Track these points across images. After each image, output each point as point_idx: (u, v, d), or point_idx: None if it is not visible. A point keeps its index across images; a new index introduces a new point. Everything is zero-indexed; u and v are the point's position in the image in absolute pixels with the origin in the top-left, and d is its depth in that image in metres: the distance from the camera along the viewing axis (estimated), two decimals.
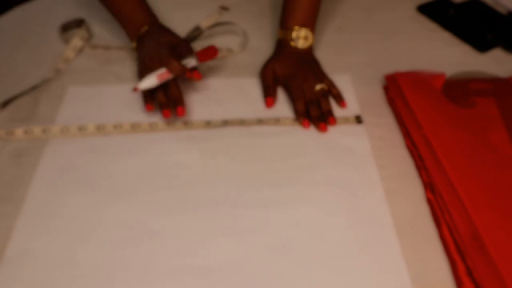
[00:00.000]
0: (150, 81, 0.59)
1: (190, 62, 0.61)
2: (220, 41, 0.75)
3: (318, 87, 0.63)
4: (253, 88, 0.67)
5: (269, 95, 0.64)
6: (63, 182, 0.55)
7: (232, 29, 0.77)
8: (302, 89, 0.63)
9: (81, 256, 0.48)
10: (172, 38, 0.65)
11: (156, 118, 0.62)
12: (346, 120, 0.62)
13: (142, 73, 0.63)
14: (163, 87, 0.61)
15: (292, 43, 0.67)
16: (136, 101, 0.65)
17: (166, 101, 0.60)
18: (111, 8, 0.69)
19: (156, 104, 0.62)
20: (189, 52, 0.63)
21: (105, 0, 0.69)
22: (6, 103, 0.64)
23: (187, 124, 0.61)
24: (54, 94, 0.66)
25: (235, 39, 0.76)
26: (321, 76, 0.65)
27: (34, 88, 0.67)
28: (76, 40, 0.73)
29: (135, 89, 0.59)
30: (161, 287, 0.46)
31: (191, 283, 0.46)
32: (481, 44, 0.73)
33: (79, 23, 0.77)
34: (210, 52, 0.63)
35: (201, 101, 0.65)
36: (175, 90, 0.61)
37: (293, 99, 0.63)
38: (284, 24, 0.68)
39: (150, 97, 0.62)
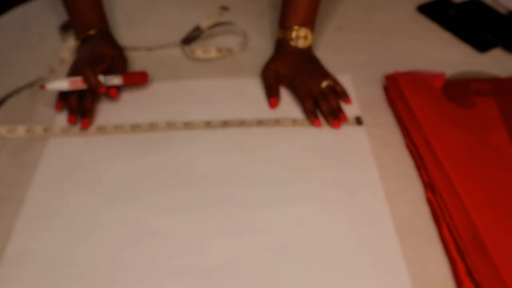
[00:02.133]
0: (60, 84, 0.60)
1: (113, 79, 0.62)
2: (220, 41, 0.75)
3: (325, 83, 0.63)
4: (253, 88, 0.67)
5: (272, 96, 0.64)
6: (63, 182, 0.55)
7: (232, 29, 0.77)
8: (308, 87, 0.63)
9: (81, 256, 0.48)
10: (109, 50, 0.65)
11: (156, 119, 0.62)
12: (343, 122, 0.61)
13: (68, 73, 0.64)
14: (79, 92, 0.61)
15: (292, 43, 0.67)
16: (136, 101, 0.65)
17: (76, 107, 0.61)
18: (65, 2, 0.69)
19: (65, 106, 0.62)
20: (121, 69, 0.64)
21: None
22: (1, 102, 0.65)
23: (187, 125, 0.61)
24: (53, 93, 0.66)
25: (235, 39, 0.76)
26: (325, 73, 0.65)
27: (27, 86, 0.67)
28: (72, 41, 0.73)
29: (41, 87, 0.60)
30: (161, 287, 0.46)
31: (191, 283, 0.46)
32: (481, 44, 0.73)
33: None
34: (139, 77, 0.64)
35: (201, 101, 0.65)
36: (88, 101, 0.61)
37: (300, 98, 0.63)
38: (284, 24, 0.68)
39: (63, 98, 0.62)
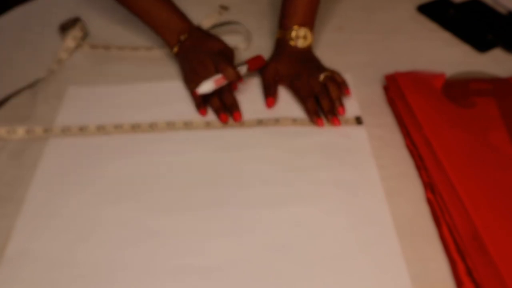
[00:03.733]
0: (208, 85, 0.61)
1: (242, 69, 0.64)
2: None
3: (323, 75, 0.63)
4: (253, 88, 0.67)
5: (269, 95, 0.64)
6: (63, 182, 0.55)
7: (234, 28, 0.77)
8: (309, 86, 0.63)
9: (81, 256, 0.48)
10: (219, 44, 0.66)
11: (156, 119, 0.62)
12: (346, 121, 0.62)
13: (190, 78, 0.65)
14: (217, 93, 0.63)
15: (292, 43, 0.67)
16: (136, 101, 0.65)
17: (222, 106, 0.62)
18: (144, 16, 0.68)
19: (209, 109, 0.63)
20: (232, 58, 0.66)
21: (137, 9, 0.68)
22: (1, 103, 0.64)
23: (187, 125, 0.61)
24: (53, 93, 0.66)
25: (237, 38, 0.76)
26: (324, 70, 0.65)
27: (27, 87, 0.67)
28: (69, 41, 0.73)
29: (194, 94, 0.62)
30: (161, 287, 0.46)
31: (191, 283, 0.46)
32: (481, 44, 0.73)
33: (74, 22, 0.77)
34: (259, 61, 0.66)
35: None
36: (229, 96, 0.63)
37: (302, 99, 0.63)
38: (283, 24, 0.68)
39: (204, 102, 0.63)
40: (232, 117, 0.62)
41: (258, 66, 0.66)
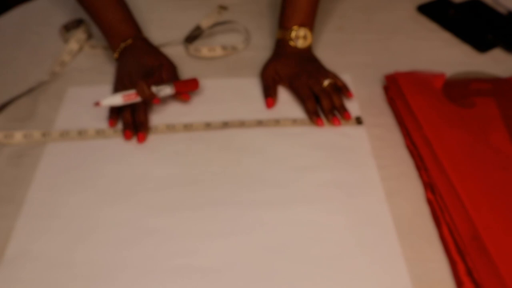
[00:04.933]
0: (115, 100, 0.59)
1: (166, 89, 0.60)
2: (221, 40, 0.75)
3: (326, 82, 0.63)
4: (254, 88, 0.67)
5: (269, 96, 0.64)
6: (63, 183, 0.55)
7: (233, 28, 0.77)
8: (308, 86, 0.63)
9: (81, 257, 0.48)
10: (156, 60, 0.64)
11: (156, 121, 0.62)
12: (346, 121, 0.62)
13: (116, 87, 0.63)
14: (132, 106, 0.61)
15: (292, 43, 0.67)
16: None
17: (131, 122, 0.60)
18: (94, 14, 0.67)
19: (120, 121, 0.61)
20: (171, 76, 0.63)
21: (88, 6, 0.67)
22: (3, 107, 0.64)
23: (187, 126, 0.61)
24: (54, 94, 0.66)
25: (236, 37, 0.76)
26: (325, 72, 0.65)
27: (30, 90, 0.66)
28: (73, 43, 0.73)
29: (97, 104, 0.59)
30: (160, 287, 0.46)
31: (190, 283, 0.46)
32: (481, 44, 0.73)
33: (78, 23, 0.77)
34: (190, 84, 0.63)
35: (201, 102, 0.65)
36: (141, 115, 0.60)
37: (302, 99, 0.63)
38: (283, 24, 0.68)
39: (116, 113, 0.61)
40: (137, 137, 0.59)
41: (188, 89, 0.63)
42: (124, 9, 0.68)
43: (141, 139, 0.59)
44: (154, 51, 0.66)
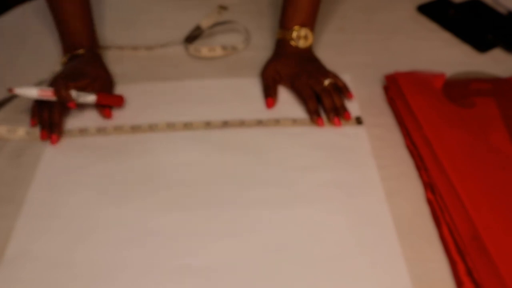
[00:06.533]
0: (30, 91, 0.58)
1: (86, 97, 0.60)
2: (221, 40, 0.75)
3: (327, 82, 0.63)
4: (254, 88, 0.67)
5: (269, 96, 0.64)
6: (63, 183, 0.55)
7: (233, 28, 0.77)
8: (309, 86, 0.63)
9: (81, 257, 0.48)
10: (94, 71, 0.64)
11: (156, 120, 0.62)
12: (346, 121, 0.62)
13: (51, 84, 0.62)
14: (49, 106, 0.60)
15: (293, 43, 0.67)
16: (136, 101, 0.65)
17: (47, 122, 0.59)
18: (57, 18, 0.67)
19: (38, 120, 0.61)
20: (103, 90, 0.62)
21: (53, 9, 0.66)
22: (2, 104, 0.64)
23: (187, 125, 0.61)
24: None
25: (236, 37, 0.76)
26: (325, 71, 0.65)
27: None
28: None
29: (10, 90, 0.58)
30: (160, 287, 0.46)
31: (190, 283, 0.46)
32: (481, 44, 0.73)
33: None
34: (114, 99, 0.63)
35: (202, 102, 0.65)
36: (55, 115, 0.59)
37: (303, 99, 0.63)
38: (284, 24, 0.68)
39: (37, 113, 0.61)
40: (50, 138, 0.58)
41: (111, 103, 0.62)
42: (86, 20, 0.67)
43: (54, 141, 0.58)
44: (98, 64, 0.66)
